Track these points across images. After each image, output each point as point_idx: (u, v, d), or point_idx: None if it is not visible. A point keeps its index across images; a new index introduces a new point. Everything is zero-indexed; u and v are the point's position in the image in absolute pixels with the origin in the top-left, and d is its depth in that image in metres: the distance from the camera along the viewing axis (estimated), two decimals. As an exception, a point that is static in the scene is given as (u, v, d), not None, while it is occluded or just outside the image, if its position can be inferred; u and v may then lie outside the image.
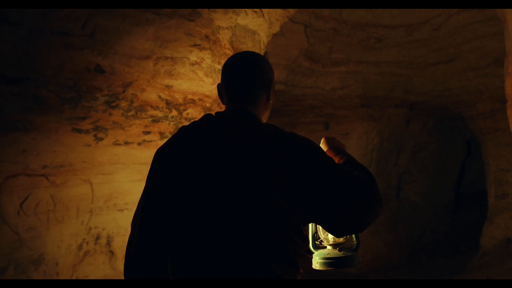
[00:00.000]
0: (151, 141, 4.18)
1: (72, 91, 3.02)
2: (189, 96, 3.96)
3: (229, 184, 1.23)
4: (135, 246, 1.29)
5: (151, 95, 3.59)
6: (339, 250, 1.49)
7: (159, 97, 3.70)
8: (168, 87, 3.64)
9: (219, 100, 4.40)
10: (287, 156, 1.24)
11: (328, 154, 1.45)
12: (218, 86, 1.48)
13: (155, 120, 3.94)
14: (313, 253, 1.50)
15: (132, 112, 3.64)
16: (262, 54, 4.68)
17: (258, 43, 4.41)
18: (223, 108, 4.83)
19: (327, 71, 7.16)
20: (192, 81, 3.69)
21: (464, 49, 6.29)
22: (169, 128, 4.20)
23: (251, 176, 1.22)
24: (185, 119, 4.22)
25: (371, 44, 6.87)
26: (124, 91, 3.34)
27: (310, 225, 1.54)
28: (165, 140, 4.25)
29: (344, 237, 1.51)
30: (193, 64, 3.52)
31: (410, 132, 8.45)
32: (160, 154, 1.36)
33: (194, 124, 1.37)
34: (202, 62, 3.58)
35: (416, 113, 8.15)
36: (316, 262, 1.50)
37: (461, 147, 9.71)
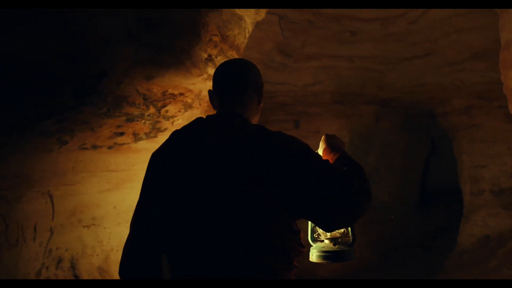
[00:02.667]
0: (123, 144, 3.55)
1: (33, 82, 2.36)
2: (170, 90, 3.38)
3: (220, 185, 1.28)
4: (129, 245, 1.37)
5: (128, 88, 2.98)
6: (334, 244, 1.56)
7: (137, 91, 3.09)
8: (149, 78, 3.03)
9: (201, 96, 3.85)
10: (274, 155, 1.29)
11: (325, 151, 1.55)
12: (210, 92, 1.55)
13: (130, 119, 3.33)
14: (304, 246, 1.49)
15: (104, 109, 3.01)
16: (246, 43, 4.18)
17: (244, 31, 3.90)
18: (203, 105, 4.23)
19: (300, 66, 6.77)
20: (178, 71, 3.12)
21: (441, 43, 6.13)
22: (144, 129, 3.59)
23: (241, 176, 1.28)
24: (164, 117, 3.63)
25: (345, 38, 6.56)
26: (97, 83, 2.71)
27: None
28: (139, 143, 3.61)
29: (341, 232, 1.58)
30: (180, 51, 2.95)
31: (379, 130, 8.29)
32: (154, 157, 1.44)
33: (186, 128, 1.45)
34: (190, 48, 3.02)
35: (386, 110, 7.99)
36: (313, 254, 1.56)
37: (427, 144, 9.73)
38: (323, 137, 1.62)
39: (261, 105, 1.58)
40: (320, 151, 1.60)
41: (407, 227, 8.65)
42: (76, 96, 2.71)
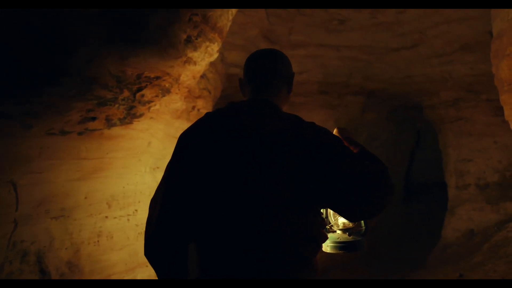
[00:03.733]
0: (95, 129, 3.32)
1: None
2: (146, 73, 3.14)
3: (252, 169, 1.29)
4: (155, 227, 1.37)
5: (100, 69, 2.74)
6: (349, 235, 1.59)
7: (109, 72, 2.85)
8: (122, 58, 2.80)
9: (180, 80, 3.63)
10: (307, 144, 1.31)
11: None
12: (240, 80, 1.59)
13: (102, 102, 3.09)
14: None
15: (73, 91, 2.77)
16: (229, 25, 3.96)
17: (227, 12, 3.66)
18: (182, 90, 4.00)
19: (286, 54, 6.55)
20: (153, 52, 2.89)
21: (430, 34, 5.99)
22: (118, 114, 3.36)
23: (273, 162, 1.29)
24: (139, 102, 3.40)
25: (333, 26, 6.37)
26: (66, 62, 2.47)
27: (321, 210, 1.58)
28: (113, 129, 3.37)
29: (353, 222, 1.61)
30: (158, 29, 2.72)
31: (365, 121, 8.16)
32: (184, 139, 1.44)
33: (219, 111, 1.46)
34: (168, 27, 2.79)
35: (372, 101, 7.85)
36: (327, 245, 1.56)
37: (412, 137, 9.66)
38: (335, 130, 1.61)
39: (290, 94, 1.62)
40: None
41: (391, 220, 8.58)
42: (40, 75, 2.47)
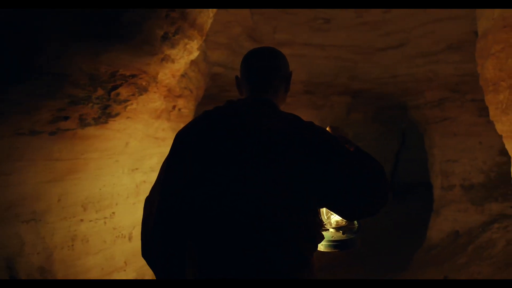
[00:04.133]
0: (67, 129, 3.18)
1: None
2: (120, 71, 3.03)
3: (250, 169, 1.29)
4: (152, 227, 1.36)
5: (70, 66, 2.61)
6: (343, 233, 1.57)
7: (80, 69, 2.73)
8: (94, 55, 2.68)
9: (158, 79, 3.51)
10: (306, 143, 1.30)
11: None
12: (237, 78, 1.57)
13: (74, 101, 2.96)
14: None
15: (43, 90, 2.63)
16: (210, 23, 3.84)
17: (207, 10, 3.56)
18: (161, 89, 3.87)
19: (271, 53, 6.48)
20: (127, 48, 2.77)
21: (415, 33, 5.96)
22: (92, 113, 3.23)
23: (272, 161, 1.29)
24: (114, 101, 3.28)
25: (318, 25, 6.31)
26: (32, 58, 2.34)
27: None
28: (87, 129, 3.23)
29: (346, 220, 1.59)
30: (131, 24, 2.60)
31: (351, 121, 8.12)
32: (181, 137, 1.42)
33: (217, 109, 1.45)
34: (143, 23, 2.67)
35: (357, 101, 7.82)
36: (321, 244, 1.51)
37: (397, 137, 9.65)
38: (328, 129, 1.57)
39: (287, 93, 1.60)
40: None
41: (376, 221, 8.55)
42: (4, 72, 2.33)
